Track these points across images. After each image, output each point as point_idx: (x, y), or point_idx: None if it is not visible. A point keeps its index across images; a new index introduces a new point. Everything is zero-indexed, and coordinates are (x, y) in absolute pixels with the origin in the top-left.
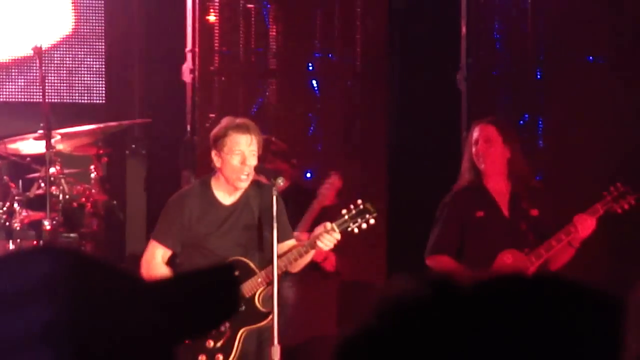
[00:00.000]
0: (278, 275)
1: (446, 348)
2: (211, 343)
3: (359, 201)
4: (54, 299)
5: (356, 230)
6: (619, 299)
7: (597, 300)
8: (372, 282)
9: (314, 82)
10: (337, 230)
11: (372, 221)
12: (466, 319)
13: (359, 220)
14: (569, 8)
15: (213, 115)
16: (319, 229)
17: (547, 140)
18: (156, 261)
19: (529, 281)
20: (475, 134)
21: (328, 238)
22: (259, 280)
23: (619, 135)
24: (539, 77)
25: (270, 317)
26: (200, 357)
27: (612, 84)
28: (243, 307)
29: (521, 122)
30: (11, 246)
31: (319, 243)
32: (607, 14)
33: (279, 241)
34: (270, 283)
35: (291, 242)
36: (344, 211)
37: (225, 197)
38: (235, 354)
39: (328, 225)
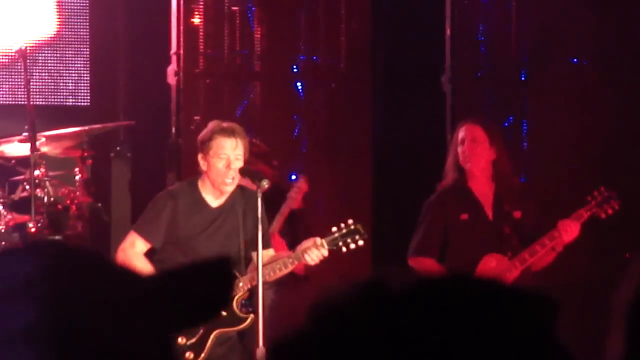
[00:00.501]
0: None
1: (373, 351)
2: (183, 340)
3: (350, 221)
4: (35, 298)
5: (344, 249)
6: (552, 300)
7: (525, 301)
8: None
9: (298, 84)
10: (326, 246)
11: (360, 242)
12: (393, 321)
13: (349, 240)
14: (553, 10)
15: (198, 117)
16: (307, 243)
17: (531, 142)
18: (135, 250)
19: (456, 283)
20: (462, 133)
21: (316, 253)
22: (240, 284)
23: (603, 137)
24: (523, 78)
25: (247, 322)
26: None
27: (596, 85)
28: None
29: (505, 124)
30: None
31: (306, 257)
32: (591, 16)
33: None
34: (250, 289)
35: (270, 252)
36: (334, 229)
37: (212, 199)
38: (205, 354)
39: (318, 240)
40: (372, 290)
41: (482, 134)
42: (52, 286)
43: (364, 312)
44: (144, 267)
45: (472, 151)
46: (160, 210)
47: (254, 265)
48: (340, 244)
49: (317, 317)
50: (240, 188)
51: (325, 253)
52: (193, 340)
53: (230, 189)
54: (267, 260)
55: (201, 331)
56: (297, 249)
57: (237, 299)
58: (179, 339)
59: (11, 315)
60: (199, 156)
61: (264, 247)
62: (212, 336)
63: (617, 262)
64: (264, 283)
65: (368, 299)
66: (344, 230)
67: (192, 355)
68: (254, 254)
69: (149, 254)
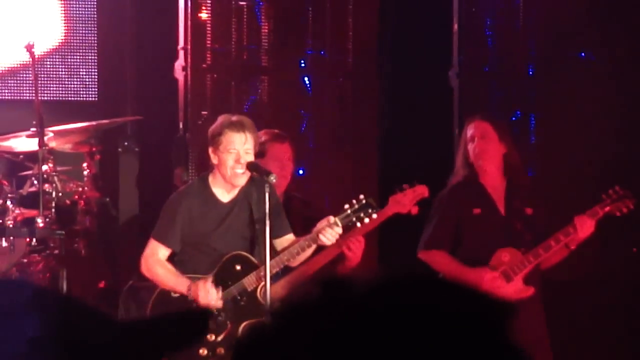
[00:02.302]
0: (279, 268)
1: (324, 347)
2: (212, 337)
3: (361, 196)
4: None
5: (358, 224)
6: (504, 305)
7: (477, 302)
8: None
9: (306, 79)
10: (339, 224)
11: (374, 216)
12: (347, 319)
13: (362, 214)
14: (560, 4)
15: (205, 112)
16: (321, 223)
17: (538, 137)
18: (157, 258)
19: (412, 285)
20: (471, 130)
21: (330, 232)
22: (261, 274)
23: (611, 131)
24: (530, 73)
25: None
26: (201, 351)
27: (603, 80)
28: (244, 302)
29: (513, 118)
30: (4, 244)
31: (321, 237)
32: (598, 10)
33: (278, 236)
34: (272, 277)
35: (290, 237)
36: (346, 206)
37: (224, 194)
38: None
39: (331, 219)
40: (328, 289)
41: (491, 130)
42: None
43: (317, 311)
44: (166, 273)
45: (482, 148)
46: (174, 213)
47: (276, 252)
48: (354, 219)
49: (278, 313)
50: (251, 179)
51: (340, 231)
52: (222, 336)
53: (241, 182)
54: (287, 245)
55: (229, 326)
56: (313, 231)
57: (260, 288)
58: (209, 337)
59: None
60: (210, 150)
61: (283, 233)
62: (240, 329)
63: (625, 257)
64: (278, 274)
65: (323, 298)
66: (356, 206)
67: (222, 351)
68: (273, 242)
69: (172, 256)
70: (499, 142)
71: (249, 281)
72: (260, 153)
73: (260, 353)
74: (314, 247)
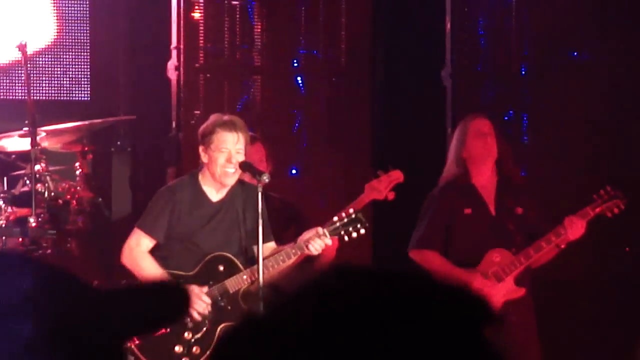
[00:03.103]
0: (264, 275)
1: (300, 347)
2: (189, 335)
3: (351, 210)
4: (35, 314)
5: (346, 238)
6: (480, 301)
7: (453, 299)
8: None
9: (298, 78)
10: (328, 235)
11: (362, 231)
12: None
13: (350, 228)
14: (553, 4)
15: (198, 112)
16: (309, 233)
17: (531, 136)
18: (140, 249)
19: (388, 279)
20: (477, 126)
21: (319, 242)
22: (244, 277)
23: (604, 131)
24: (523, 73)
25: None
26: (177, 348)
27: (596, 79)
28: (225, 303)
29: (506, 118)
30: None
31: (309, 247)
32: (591, 10)
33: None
34: (254, 281)
35: (271, 245)
36: (335, 218)
37: (213, 193)
38: (212, 349)
39: (320, 230)
40: (308, 288)
41: (491, 128)
42: (49, 301)
43: (296, 310)
44: (151, 266)
45: (485, 145)
46: (163, 206)
47: (256, 258)
48: (342, 232)
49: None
50: (240, 182)
51: (329, 242)
52: (199, 335)
53: (231, 181)
54: (270, 253)
55: (207, 326)
56: (299, 239)
57: (241, 292)
58: (185, 334)
59: (14, 333)
60: (200, 148)
61: (265, 241)
62: (217, 330)
63: (617, 256)
64: (268, 277)
65: (304, 296)
66: (345, 219)
67: (198, 350)
68: (255, 248)
69: (152, 250)
70: (495, 141)
71: (231, 283)
72: None
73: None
74: (299, 254)
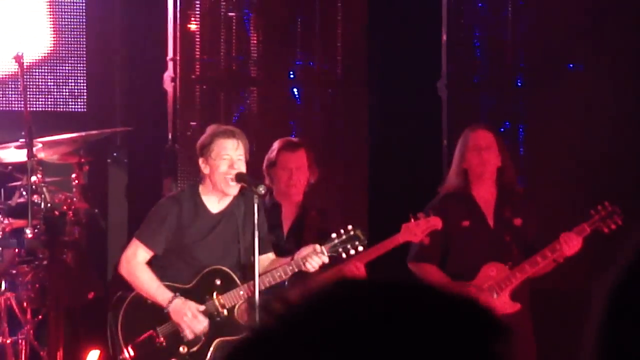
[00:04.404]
0: (260, 290)
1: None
2: (185, 349)
3: (350, 227)
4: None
5: (344, 255)
6: (493, 316)
7: (465, 313)
8: None
9: (295, 90)
10: (326, 253)
11: (360, 248)
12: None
13: (348, 246)
14: (549, 16)
15: (194, 123)
16: (307, 250)
17: (527, 148)
18: (138, 260)
19: (402, 291)
20: (476, 139)
21: (316, 260)
22: (241, 292)
23: (599, 143)
24: (519, 84)
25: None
26: None
27: (592, 91)
28: (220, 318)
29: (502, 129)
30: None
31: (307, 264)
32: (587, 22)
33: (259, 253)
34: (250, 297)
35: (270, 256)
36: (333, 235)
37: (214, 204)
38: None
39: (317, 247)
40: (325, 296)
41: (494, 140)
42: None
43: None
44: (148, 278)
45: (488, 159)
46: (163, 217)
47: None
48: (340, 250)
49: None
50: (240, 192)
51: (326, 260)
52: (194, 349)
53: (234, 191)
54: (268, 265)
55: (203, 340)
56: (296, 256)
57: (238, 307)
58: (181, 348)
59: None
60: (200, 160)
61: (263, 251)
62: (213, 344)
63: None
64: (264, 290)
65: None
66: (344, 237)
67: None
68: (251, 258)
69: (150, 260)
70: (498, 154)
71: (227, 298)
72: (272, 162)
73: None
74: (295, 271)
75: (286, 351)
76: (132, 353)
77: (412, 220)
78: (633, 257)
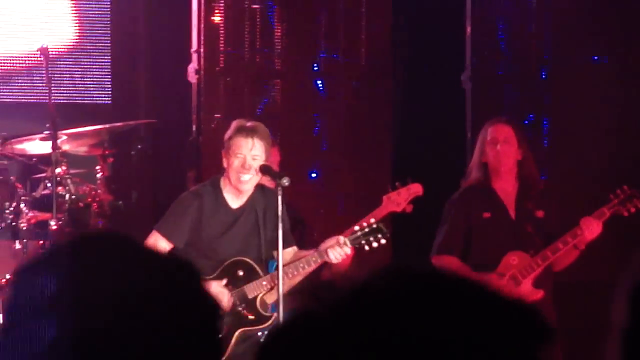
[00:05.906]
0: (284, 281)
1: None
2: None
3: (372, 220)
4: (59, 314)
5: (367, 247)
6: (541, 319)
7: (511, 315)
8: None
9: (319, 82)
10: (349, 244)
11: (383, 241)
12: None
13: (371, 238)
14: (574, 8)
15: (218, 115)
16: (331, 241)
17: (551, 140)
18: None
19: (450, 286)
20: (493, 133)
21: (339, 251)
22: (264, 283)
23: (624, 135)
24: (543, 76)
25: (269, 321)
26: None
27: (616, 83)
28: (243, 308)
29: (526, 121)
30: (17, 246)
31: (330, 255)
32: (612, 14)
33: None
34: (273, 287)
35: (292, 249)
36: (356, 227)
37: (233, 199)
38: (227, 353)
39: (341, 239)
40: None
41: (513, 134)
42: (74, 299)
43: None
44: None
45: (504, 152)
46: (184, 210)
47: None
48: (363, 242)
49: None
50: (260, 187)
51: (349, 251)
52: None
53: (246, 187)
54: (291, 258)
55: (225, 330)
56: (321, 247)
57: (260, 298)
58: None
59: (36, 335)
60: (222, 153)
61: (286, 246)
62: (235, 335)
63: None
64: (288, 284)
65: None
66: (367, 229)
67: None
68: (275, 254)
69: None
70: (518, 148)
71: (250, 288)
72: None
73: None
74: (319, 262)
75: (336, 340)
76: None
77: (391, 191)
78: None
